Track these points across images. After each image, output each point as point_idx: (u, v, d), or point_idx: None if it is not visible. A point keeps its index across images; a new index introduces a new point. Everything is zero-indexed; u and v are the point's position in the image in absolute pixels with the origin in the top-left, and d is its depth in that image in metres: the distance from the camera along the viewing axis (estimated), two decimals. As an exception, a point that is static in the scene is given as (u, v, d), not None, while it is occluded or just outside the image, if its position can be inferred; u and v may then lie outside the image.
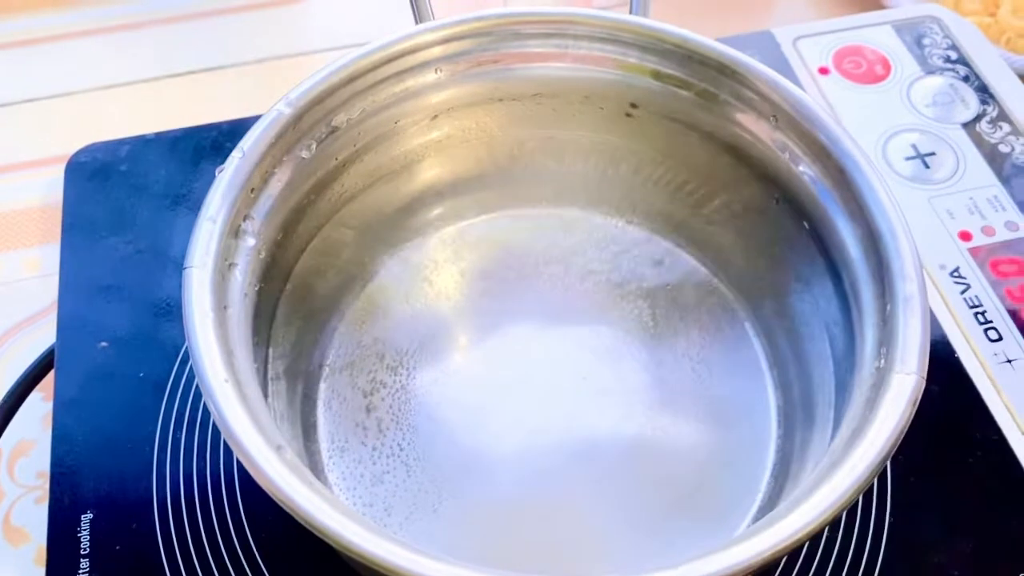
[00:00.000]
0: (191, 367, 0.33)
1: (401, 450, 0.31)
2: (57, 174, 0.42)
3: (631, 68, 0.30)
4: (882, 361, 0.24)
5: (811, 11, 0.54)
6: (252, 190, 0.27)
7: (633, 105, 0.32)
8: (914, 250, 0.25)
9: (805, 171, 0.28)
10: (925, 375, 0.23)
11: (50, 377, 0.36)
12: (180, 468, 0.32)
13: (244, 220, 0.26)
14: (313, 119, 0.28)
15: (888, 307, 0.24)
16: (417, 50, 0.30)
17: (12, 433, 0.38)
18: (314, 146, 0.29)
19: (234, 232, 0.26)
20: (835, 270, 0.28)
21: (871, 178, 0.26)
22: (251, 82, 0.52)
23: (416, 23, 0.31)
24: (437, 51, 0.30)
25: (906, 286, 0.24)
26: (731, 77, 0.29)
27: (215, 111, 0.50)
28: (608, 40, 0.30)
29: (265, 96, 0.52)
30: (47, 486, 0.33)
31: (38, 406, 0.39)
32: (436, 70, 0.30)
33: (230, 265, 0.26)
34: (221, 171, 0.26)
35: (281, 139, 0.27)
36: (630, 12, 0.31)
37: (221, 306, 0.25)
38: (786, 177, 0.29)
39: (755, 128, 0.29)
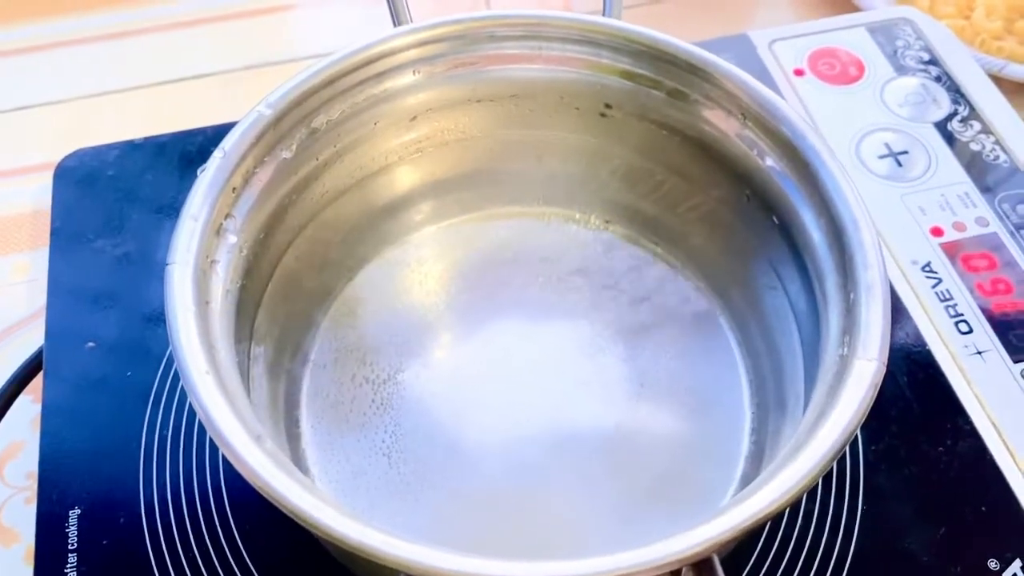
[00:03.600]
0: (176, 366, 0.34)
1: (383, 443, 0.31)
2: (46, 180, 0.43)
3: (604, 69, 0.31)
4: (845, 348, 0.24)
5: (789, 15, 0.55)
6: (233, 189, 0.27)
7: (607, 105, 0.32)
8: (876, 240, 0.26)
9: (772, 166, 0.29)
10: (886, 361, 0.24)
11: (39, 380, 0.37)
12: (167, 464, 0.32)
13: (226, 219, 0.27)
14: (293, 120, 0.29)
15: (851, 296, 0.25)
16: (394, 52, 0.30)
17: (1, 436, 0.38)
18: (294, 147, 0.29)
19: (216, 230, 0.27)
20: (802, 262, 0.28)
21: (835, 171, 0.27)
22: (238, 89, 0.53)
23: (394, 26, 0.31)
24: (414, 53, 0.31)
25: (868, 275, 0.25)
26: (700, 76, 0.30)
27: (203, 118, 0.51)
28: (581, 42, 0.31)
29: (252, 103, 0.53)
30: (36, 487, 0.33)
31: (28, 409, 0.39)
32: (414, 72, 0.31)
33: (212, 262, 0.26)
34: (203, 171, 0.27)
35: (262, 140, 0.28)
36: (603, 15, 0.32)
37: (203, 301, 0.25)
38: (755, 173, 0.30)
39: (724, 125, 0.30)
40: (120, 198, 0.40)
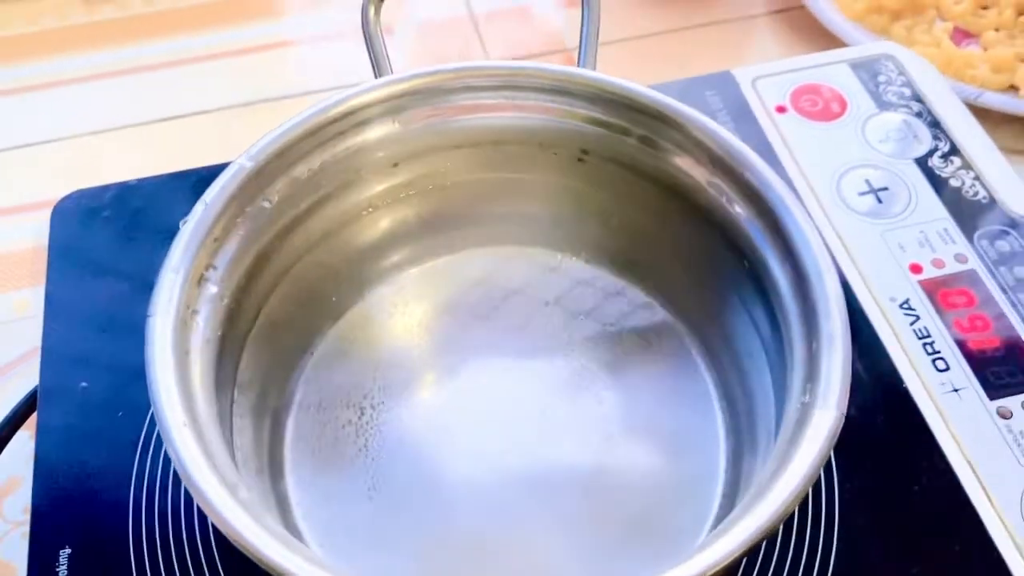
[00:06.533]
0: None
1: (365, 485, 0.32)
2: (47, 217, 0.44)
3: (578, 117, 0.32)
4: (807, 396, 0.25)
5: (773, 48, 0.55)
6: (215, 240, 0.28)
7: (584, 151, 0.33)
8: (838, 291, 0.26)
9: (740, 212, 0.29)
10: (844, 410, 0.24)
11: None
12: (155, 503, 0.33)
13: (207, 269, 0.28)
14: (274, 171, 0.30)
15: (813, 345, 0.26)
16: (373, 104, 0.31)
17: (0, 470, 0.39)
18: (276, 197, 0.30)
19: (197, 281, 0.27)
20: (771, 307, 0.29)
21: (799, 221, 0.27)
22: (236, 125, 0.54)
23: (375, 77, 0.32)
24: (393, 104, 0.32)
25: (829, 325, 0.26)
26: (668, 124, 0.30)
27: (201, 154, 0.52)
28: (554, 91, 0.32)
29: (251, 139, 0.54)
30: (30, 525, 0.34)
31: (26, 444, 0.40)
32: (393, 121, 0.32)
33: (192, 312, 0.27)
34: (185, 223, 0.28)
35: (243, 191, 0.29)
36: (577, 64, 0.32)
37: (183, 351, 0.26)
38: (725, 219, 0.30)
39: (694, 172, 0.31)
40: (116, 238, 0.40)
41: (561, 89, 0.31)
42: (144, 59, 0.57)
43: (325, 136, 0.31)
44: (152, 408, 0.25)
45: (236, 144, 0.52)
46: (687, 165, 0.31)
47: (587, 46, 0.32)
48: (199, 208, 0.28)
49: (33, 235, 0.49)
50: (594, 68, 0.33)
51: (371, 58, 0.33)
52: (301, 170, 0.31)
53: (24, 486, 0.41)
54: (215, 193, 0.28)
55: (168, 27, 0.58)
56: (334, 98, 0.31)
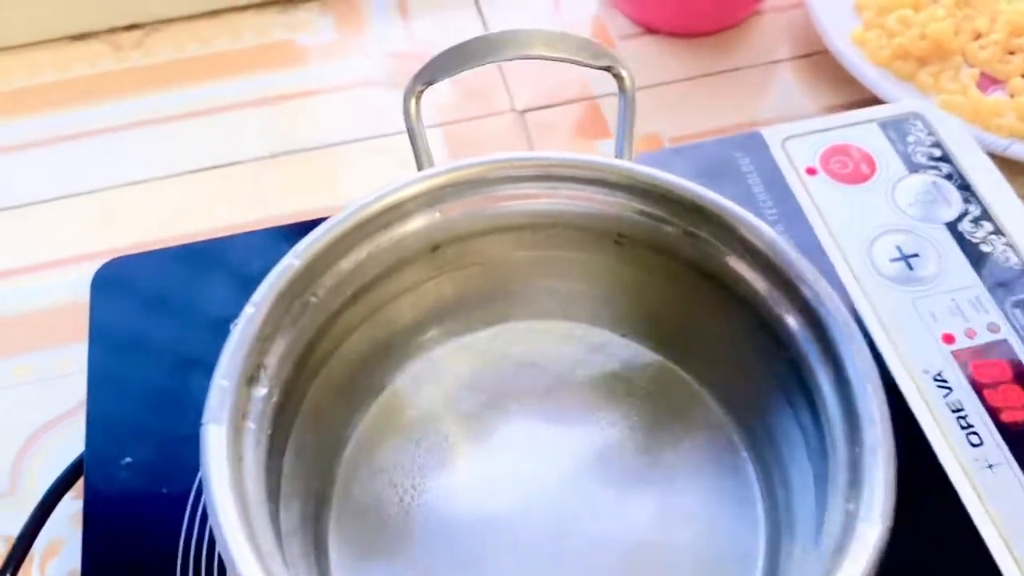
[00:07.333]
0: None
1: (405, 564, 0.32)
2: (83, 271, 0.44)
3: (615, 205, 0.32)
4: (851, 505, 0.25)
5: (802, 97, 0.56)
6: (265, 339, 0.29)
7: (621, 235, 0.34)
8: (881, 397, 0.27)
9: (783, 311, 0.30)
10: (890, 522, 0.25)
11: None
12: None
13: (257, 369, 0.28)
14: (321, 266, 0.31)
15: (856, 450, 0.26)
16: (416, 197, 0.32)
17: (43, 533, 0.40)
18: (322, 291, 0.31)
19: (247, 382, 0.28)
20: (813, 403, 0.29)
21: (844, 325, 0.28)
22: (267, 175, 0.54)
23: (418, 169, 0.33)
24: (435, 195, 0.32)
25: (874, 432, 0.26)
26: (709, 219, 0.31)
27: (234, 205, 0.53)
28: (593, 181, 0.32)
29: (280, 189, 0.54)
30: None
31: (69, 505, 0.41)
32: (434, 211, 0.32)
33: (243, 416, 0.28)
34: (235, 325, 0.28)
35: (290, 288, 0.30)
36: (615, 155, 0.33)
37: (236, 457, 0.27)
38: (766, 314, 0.30)
39: (736, 266, 0.31)
40: (156, 306, 0.41)
41: (598, 179, 0.32)
42: (173, 108, 0.57)
43: (370, 230, 0.31)
44: (210, 519, 0.25)
45: (269, 195, 0.53)
46: (726, 256, 0.31)
47: (623, 135, 0.33)
48: (249, 310, 0.28)
49: (72, 290, 0.50)
50: (631, 158, 0.33)
51: (414, 151, 0.33)
52: (347, 263, 0.31)
53: (67, 548, 0.41)
54: (263, 293, 0.29)
55: (196, 74, 0.59)
56: (378, 193, 0.31)
